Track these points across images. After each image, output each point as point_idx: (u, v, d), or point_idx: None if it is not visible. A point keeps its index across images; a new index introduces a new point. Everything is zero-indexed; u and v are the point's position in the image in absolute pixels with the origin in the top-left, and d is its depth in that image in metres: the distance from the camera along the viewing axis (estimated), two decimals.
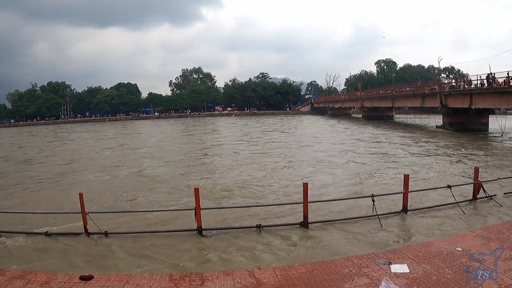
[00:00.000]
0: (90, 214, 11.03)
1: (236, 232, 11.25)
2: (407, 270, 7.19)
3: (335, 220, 11.93)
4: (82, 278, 7.26)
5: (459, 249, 8.08)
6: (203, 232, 11.01)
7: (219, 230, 11.35)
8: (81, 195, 10.89)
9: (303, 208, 11.36)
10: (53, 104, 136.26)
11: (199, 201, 10.80)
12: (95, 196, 16.63)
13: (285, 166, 23.34)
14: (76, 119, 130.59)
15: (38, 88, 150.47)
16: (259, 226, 11.27)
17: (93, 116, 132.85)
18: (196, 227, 10.99)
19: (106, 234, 11.00)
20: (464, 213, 12.05)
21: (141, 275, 7.54)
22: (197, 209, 10.81)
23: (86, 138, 55.95)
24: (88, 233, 11.04)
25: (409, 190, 12.17)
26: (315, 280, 7.00)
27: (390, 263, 7.56)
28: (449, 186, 13.04)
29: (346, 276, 7.12)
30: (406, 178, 12.11)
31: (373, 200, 11.65)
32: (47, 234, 11.37)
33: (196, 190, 10.86)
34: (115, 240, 10.82)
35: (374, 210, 11.60)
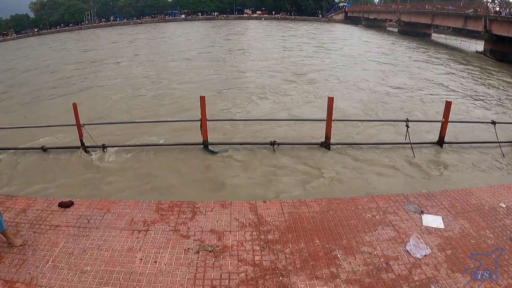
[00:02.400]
0: (86, 126, 10.12)
1: (246, 148, 10.13)
2: (442, 226, 5.86)
3: (361, 144, 10.58)
4: (61, 204, 6.44)
5: (503, 205, 6.63)
6: (210, 147, 10.01)
7: (227, 146, 10.28)
8: (74, 105, 9.81)
9: (326, 127, 10.01)
10: (77, 10, 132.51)
11: (205, 112, 9.63)
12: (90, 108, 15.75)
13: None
14: (100, 23, 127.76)
15: None
16: (273, 143, 10.07)
17: (118, 19, 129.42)
18: (201, 141, 9.99)
19: (103, 147, 10.14)
20: (505, 157, 10.29)
21: (125, 201, 6.57)
22: (203, 121, 9.67)
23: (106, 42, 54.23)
24: (84, 147, 10.19)
25: (448, 120, 10.46)
26: (329, 225, 5.81)
27: (422, 212, 6.25)
28: (493, 122, 11.00)
29: (368, 223, 5.87)
30: (448, 105, 10.34)
31: (407, 126, 10.11)
32: (43, 149, 10.64)
33: (202, 99, 9.55)
34: (112, 154, 10.03)
35: (407, 137, 10.10)
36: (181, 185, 8.38)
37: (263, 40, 46.15)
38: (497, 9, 44.60)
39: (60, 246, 5.38)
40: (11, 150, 11.00)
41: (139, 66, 27.93)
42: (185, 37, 52.30)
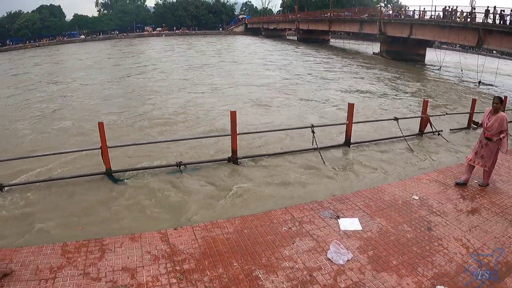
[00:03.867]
0: None
1: (152, 173, 9.40)
2: (360, 227, 5.94)
3: (269, 155, 10.46)
4: None
5: (416, 197, 7.00)
6: (114, 175, 9.08)
7: (132, 172, 9.38)
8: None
9: (231, 141, 9.75)
10: None
11: (105, 138, 8.72)
12: None
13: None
14: None
15: None
16: (179, 164, 9.50)
17: (13, 43, 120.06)
18: (104, 170, 9.04)
19: (1, 187, 8.48)
20: (412, 150, 11.04)
21: (28, 247, 5.57)
22: (104, 148, 8.76)
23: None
24: None
25: (353, 121, 10.92)
26: (245, 244, 5.52)
27: (338, 217, 6.26)
28: (396, 119, 11.89)
29: (285, 236, 5.70)
30: (351, 107, 10.78)
31: (313, 131, 10.30)
32: None
33: (101, 125, 8.65)
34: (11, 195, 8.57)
35: (314, 142, 10.28)
36: (86, 222, 7.44)
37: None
38: (390, 12, 49.33)
39: None
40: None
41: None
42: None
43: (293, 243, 5.52)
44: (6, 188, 8.49)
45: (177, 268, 5.03)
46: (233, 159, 9.82)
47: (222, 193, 8.33)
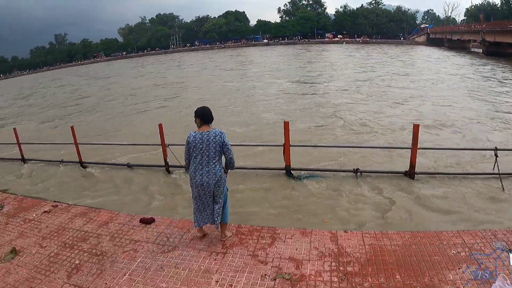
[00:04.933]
0: (170, 146, 10.51)
1: (328, 175, 9.78)
2: None
3: (446, 174, 9.72)
4: (143, 221, 6.60)
5: None
6: (292, 172, 9.86)
7: (308, 172, 10.03)
8: (160, 126, 10.31)
9: (411, 155, 9.32)
10: (162, 35, 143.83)
11: (288, 137, 9.55)
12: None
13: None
14: (185, 48, 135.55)
15: (148, 21, 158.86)
16: (356, 171, 9.65)
17: (202, 44, 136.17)
18: (284, 166, 9.89)
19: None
20: None
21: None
22: (286, 146, 9.61)
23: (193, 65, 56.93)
24: (168, 166, 10.58)
25: None
26: (411, 260, 5.23)
27: (511, 251, 5.58)
28: None
29: (452, 260, 5.17)
30: None
31: (496, 155, 9.04)
32: (129, 165, 11.28)
33: (286, 124, 9.53)
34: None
35: (495, 167, 9.03)
36: (262, 210, 8.28)
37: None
38: None
39: (138, 261, 5.47)
40: (99, 165, 11.87)
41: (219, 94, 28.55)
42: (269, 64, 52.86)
43: (459, 269, 5.06)
44: None
45: (341, 268, 5.11)
46: (410, 174, 9.42)
47: (394, 206, 8.18)
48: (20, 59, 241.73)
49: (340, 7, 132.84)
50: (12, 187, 11.09)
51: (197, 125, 5.28)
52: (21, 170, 13.36)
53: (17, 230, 7.02)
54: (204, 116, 5.23)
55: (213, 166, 5.18)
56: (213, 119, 5.30)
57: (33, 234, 6.74)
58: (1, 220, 7.65)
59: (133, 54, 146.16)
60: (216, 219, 5.43)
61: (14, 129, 13.83)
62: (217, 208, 5.39)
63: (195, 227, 5.66)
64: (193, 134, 5.20)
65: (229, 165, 5.42)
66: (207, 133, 5.16)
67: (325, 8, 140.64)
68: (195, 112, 5.30)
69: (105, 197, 9.63)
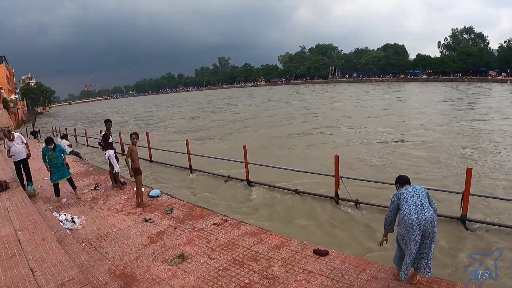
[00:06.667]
0: (343, 178, 10.33)
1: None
2: None
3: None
4: (317, 252, 6.55)
5: None
6: (466, 224, 8.63)
7: (486, 225, 8.67)
8: (336, 157, 10.34)
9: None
10: (321, 64, 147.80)
11: (469, 184, 8.42)
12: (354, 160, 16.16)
13: None
14: (343, 79, 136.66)
15: (307, 50, 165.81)
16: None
17: (360, 76, 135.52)
18: (459, 215, 8.81)
19: (356, 202, 10.07)
20: None
21: (382, 265, 6.03)
22: (466, 194, 8.54)
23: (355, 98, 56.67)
24: (337, 198, 10.36)
25: None
26: None
27: None
28: None
29: None
30: None
31: None
32: (297, 191, 11.37)
33: (469, 171, 8.43)
34: (364, 212, 9.86)
35: None
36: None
37: None
38: None
39: None
40: (266, 186, 12.30)
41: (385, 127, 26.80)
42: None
43: None
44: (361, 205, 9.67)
45: None
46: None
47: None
48: (186, 77, 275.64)
49: (504, 42, 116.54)
50: (179, 194, 12.29)
51: (397, 188, 5.55)
52: (188, 178, 14.82)
53: (186, 237, 7.61)
54: (405, 183, 5.50)
55: (427, 205, 5.08)
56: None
57: (202, 244, 7.20)
58: (170, 223, 8.44)
59: (291, 81, 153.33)
60: (427, 268, 5.11)
61: (186, 140, 15.52)
62: (430, 254, 5.09)
63: (402, 280, 5.23)
64: (401, 190, 5.37)
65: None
66: (412, 187, 5.35)
67: (488, 43, 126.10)
68: (396, 179, 5.62)
69: (273, 219, 9.94)
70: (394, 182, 5.63)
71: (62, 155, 10.68)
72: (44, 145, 10.76)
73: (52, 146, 10.48)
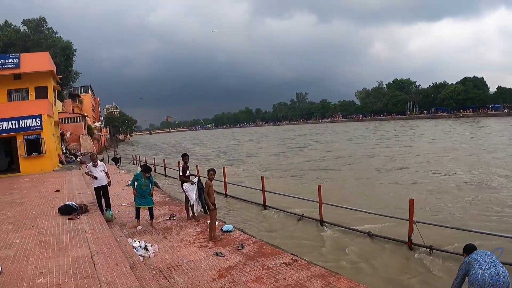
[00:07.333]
0: (418, 223, 10.03)
1: None
2: None
3: None
4: None
5: None
6: None
7: None
8: (411, 201, 10.10)
9: None
10: (399, 100, 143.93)
11: None
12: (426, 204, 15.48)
13: None
14: (421, 114, 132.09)
15: (384, 85, 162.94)
16: None
17: (439, 112, 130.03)
18: None
19: (430, 249, 9.67)
20: None
21: None
22: None
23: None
24: (411, 243, 10.08)
25: None
26: None
27: None
28: None
29: None
30: None
31: None
32: (369, 234, 11.23)
33: None
34: (437, 259, 9.40)
35: None
36: None
37: None
38: None
39: None
40: (338, 227, 12.20)
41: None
42: None
43: None
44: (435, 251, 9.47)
45: None
46: None
47: None
48: (264, 111, 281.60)
49: None
50: (251, 230, 12.53)
51: (464, 257, 5.61)
52: (261, 215, 15.09)
53: (255, 274, 7.66)
54: (472, 251, 5.56)
55: (499, 264, 5.05)
56: None
57: (269, 283, 7.19)
58: (241, 259, 8.57)
59: (369, 117, 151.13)
60: None
61: (262, 177, 15.69)
62: None
63: None
64: (470, 255, 5.42)
65: None
66: (481, 251, 5.47)
67: None
68: (464, 249, 5.75)
69: (343, 262, 9.77)
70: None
71: (151, 185, 11.44)
72: (138, 170, 11.33)
73: (149, 175, 11.36)
